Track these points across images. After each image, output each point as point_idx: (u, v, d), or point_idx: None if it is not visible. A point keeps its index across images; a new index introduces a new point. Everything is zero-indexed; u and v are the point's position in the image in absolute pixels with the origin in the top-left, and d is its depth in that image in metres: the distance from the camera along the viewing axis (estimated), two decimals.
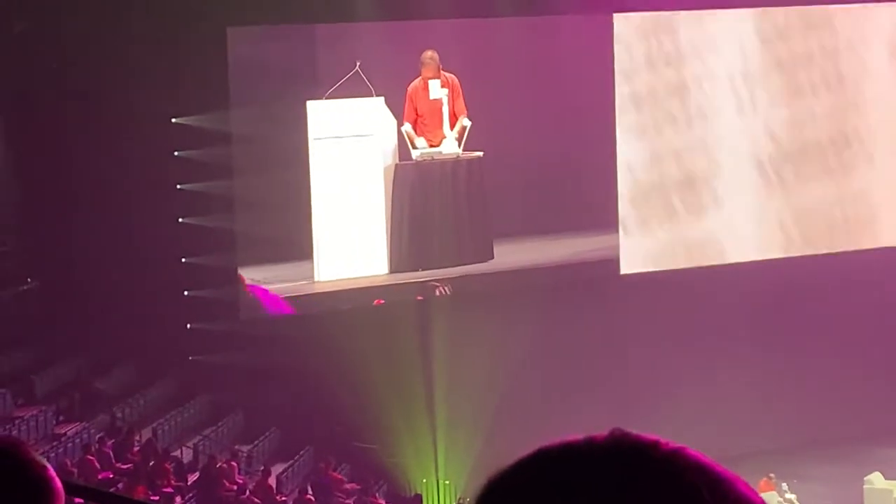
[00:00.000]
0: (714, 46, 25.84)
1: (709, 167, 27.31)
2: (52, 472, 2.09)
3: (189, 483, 22.15)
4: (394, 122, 24.33)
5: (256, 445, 24.67)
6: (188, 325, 24.69)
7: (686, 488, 1.46)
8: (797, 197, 27.41)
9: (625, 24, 26.60)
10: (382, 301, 25.21)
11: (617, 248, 26.89)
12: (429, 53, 24.71)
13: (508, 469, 1.51)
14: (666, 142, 26.75)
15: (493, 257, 25.37)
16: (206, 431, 24.43)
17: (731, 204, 27.53)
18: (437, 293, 25.46)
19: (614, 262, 26.87)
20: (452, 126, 24.66)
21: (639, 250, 27.11)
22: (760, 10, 27.06)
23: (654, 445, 1.49)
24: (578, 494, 1.46)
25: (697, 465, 1.48)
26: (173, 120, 23.94)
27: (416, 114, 24.63)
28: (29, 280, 25.08)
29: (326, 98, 23.94)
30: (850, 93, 24.51)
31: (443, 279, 25.40)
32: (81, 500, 4.31)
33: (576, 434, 1.53)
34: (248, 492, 22.20)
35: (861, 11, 23.52)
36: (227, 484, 22.09)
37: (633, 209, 26.97)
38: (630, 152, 26.86)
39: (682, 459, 1.48)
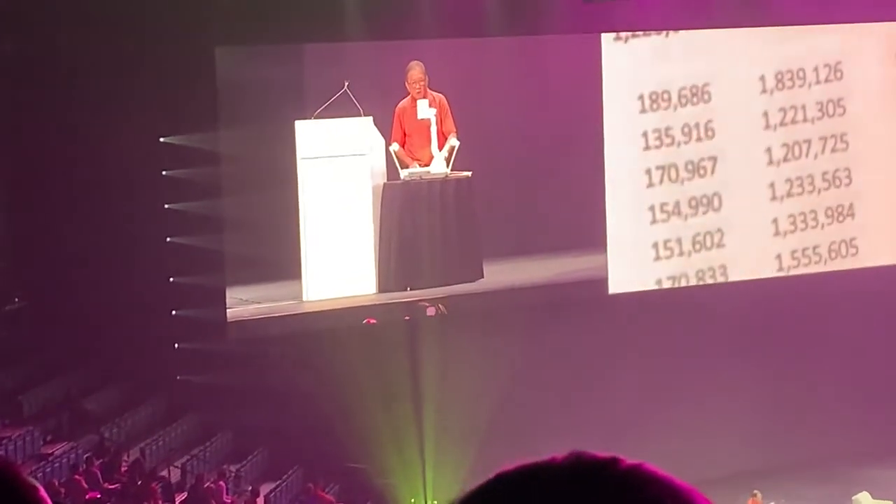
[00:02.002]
0: (705, 64, 25.83)
1: (699, 186, 27.30)
2: (43, 493, 2.09)
3: (177, 503, 22.10)
4: (382, 141, 24.35)
5: (245, 465, 24.63)
6: (176, 345, 24.66)
7: (648, 502, 1.47)
8: (788, 216, 27.01)
9: (613, 44, 26.61)
10: (374, 321, 25.19)
11: (605, 267, 26.89)
12: (415, 71, 24.72)
13: (469, 494, 1.52)
14: (656, 161, 26.74)
15: (482, 277, 25.38)
16: (194, 451, 24.38)
17: (720, 224, 27.52)
18: (434, 312, 25.46)
19: (603, 281, 26.88)
20: (441, 146, 24.68)
21: (627, 270, 27.11)
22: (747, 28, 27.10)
23: (613, 462, 1.51)
24: None
25: (657, 480, 1.49)
26: (161, 139, 23.94)
27: (404, 133, 24.66)
28: (16, 300, 25.04)
29: (315, 118, 23.96)
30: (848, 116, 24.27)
31: (432, 298, 25.40)
32: None
33: (559, 452, 1.54)
34: None
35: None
36: None
37: (622, 229, 26.97)
38: (619, 172, 26.86)
39: (641, 474, 1.49)
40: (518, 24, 26.09)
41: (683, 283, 27.32)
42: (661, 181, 26.80)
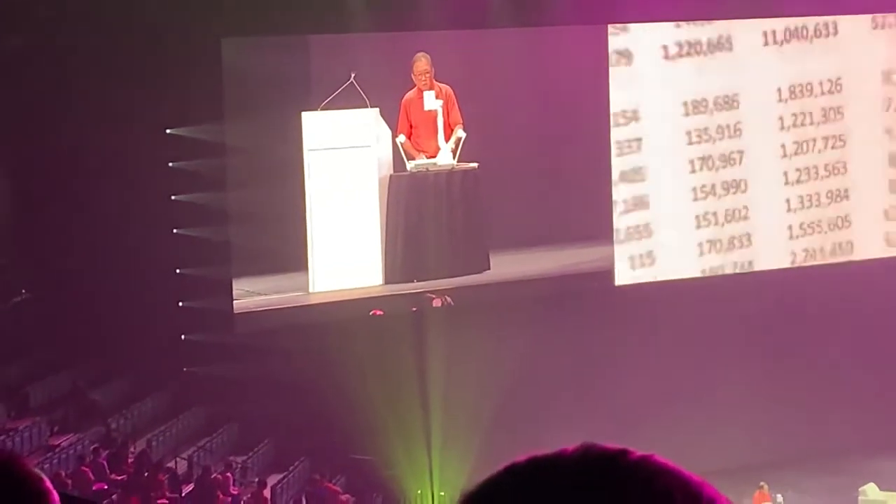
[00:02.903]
0: (736, 78, 26.13)
1: (705, 177, 27.33)
2: (49, 485, 2.09)
3: (183, 494, 22.13)
4: (389, 133, 24.34)
5: (251, 457, 24.65)
6: (183, 337, 24.68)
7: (658, 493, 1.47)
8: (797, 197, 27.39)
9: (619, 35, 26.62)
10: (381, 312, 25.20)
11: (612, 258, 26.91)
12: (421, 63, 24.71)
13: (479, 486, 1.52)
14: (661, 152, 26.77)
15: (489, 268, 25.38)
16: (201, 443, 24.42)
17: (726, 215, 27.56)
18: (440, 303, 25.47)
19: (609, 273, 26.88)
20: (447, 137, 24.66)
21: (633, 261, 27.11)
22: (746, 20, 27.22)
23: (623, 454, 1.51)
24: None
25: (666, 471, 1.49)
26: (168, 131, 23.95)
27: (410, 125, 24.64)
28: (23, 292, 25.06)
29: (321, 109, 23.95)
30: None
31: (438, 290, 25.41)
32: None
33: (565, 444, 1.54)
34: (242, 503, 22.18)
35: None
36: (222, 495, 22.07)
37: (628, 220, 26.96)
38: (625, 162, 26.86)
39: (651, 465, 1.50)
40: (524, 15, 26.06)
41: (690, 275, 27.33)
42: (669, 172, 26.93)
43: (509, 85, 25.75)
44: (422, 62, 24.79)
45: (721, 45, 24.46)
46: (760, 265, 27.61)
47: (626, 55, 24.54)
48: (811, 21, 24.61)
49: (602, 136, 26.54)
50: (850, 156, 25.53)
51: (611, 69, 25.65)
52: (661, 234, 26.09)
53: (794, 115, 24.65)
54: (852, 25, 24.90)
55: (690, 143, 24.70)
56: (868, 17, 25.02)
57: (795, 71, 24.82)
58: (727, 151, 24.33)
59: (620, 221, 25.74)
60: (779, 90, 24.71)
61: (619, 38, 24.16)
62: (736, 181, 24.90)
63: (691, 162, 25.03)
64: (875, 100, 25.17)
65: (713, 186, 25.46)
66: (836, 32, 24.75)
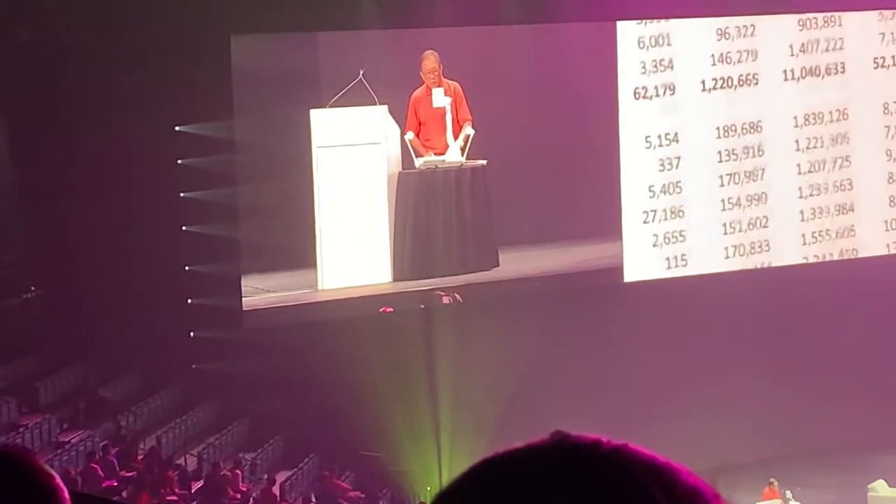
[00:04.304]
0: (760, 108, 27.74)
1: (714, 174, 27.40)
2: (60, 482, 2.10)
3: (193, 491, 22.16)
4: (397, 130, 24.34)
5: (260, 453, 24.68)
6: (192, 334, 24.70)
7: (634, 483, 1.44)
8: (810, 209, 28.29)
9: (627, 32, 26.67)
10: (391, 309, 25.20)
11: (621, 255, 26.92)
12: (429, 61, 24.71)
13: (453, 481, 1.51)
14: (697, 169, 27.28)
15: (498, 265, 25.38)
16: (211, 439, 24.44)
17: (735, 211, 27.62)
18: (449, 300, 25.48)
19: (618, 270, 26.89)
20: (456, 134, 24.66)
21: (642, 258, 27.13)
22: (757, 17, 27.40)
23: (597, 443, 1.48)
24: (522, 498, 1.45)
25: (642, 460, 1.46)
26: (177, 128, 23.97)
27: (419, 122, 24.64)
28: (33, 288, 25.10)
29: (330, 106, 23.95)
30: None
31: (447, 287, 25.41)
32: None
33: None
34: (251, 500, 22.21)
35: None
36: (231, 492, 22.10)
37: (638, 217, 27.00)
38: (634, 159, 26.90)
39: (626, 455, 1.47)
40: (533, 11, 26.07)
41: (699, 272, 27.38)
42: (677, 168, 27.09)
43: (518, 82, 25.75)
44: (429, 60, 24.79)
45: (748, 80, 27.23)
46: (776, 265, 28.00)
47: (671, 87, 26.93)
48: (823, 59, 27.73)
49: (611, 133, 26.56)
50: (855, 174, 28.38)
51: (656, 99, 26.96)
52: (693, 238, 27.57)
53: (808, 139, 27.75)
54: (858, 63, 27.96)
55: (720, 161, 27.39)
56: (871, 56, 28.29)
57: (809, 102, 27.72)
58: (751, 168, 27.38)
59: (659, 228, 27.43)
60: (795, 118, 27.60)
61: (665, 74, 26.62)
62: (758, 194, 27.80)
63: (721, 177, 27.56)
64: (877, 127, 28.26)
65: (738, 198, 27.92)
66: (843, 71, 27.80)
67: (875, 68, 28.58)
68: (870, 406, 27.89)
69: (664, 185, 27.28)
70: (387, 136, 24.25)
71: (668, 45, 27.11)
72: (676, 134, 27.32)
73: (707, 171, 27.52)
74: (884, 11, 28.91)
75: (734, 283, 27.42)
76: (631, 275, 27.06)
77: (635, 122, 26.91)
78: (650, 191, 27.16)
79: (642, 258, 27.14)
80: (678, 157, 27.30)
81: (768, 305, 27.69)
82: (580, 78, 25.98)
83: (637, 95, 26.85)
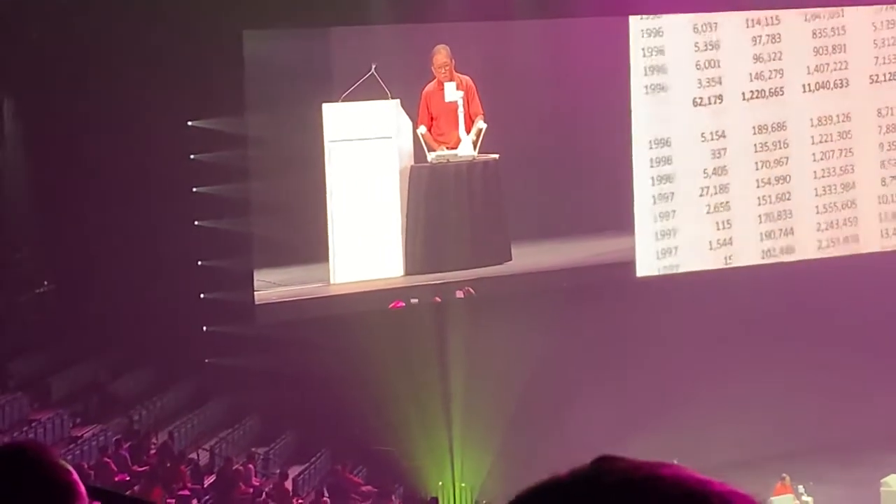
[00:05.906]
0: (785, 111, 28.35)
1: (726, 169, 27.40)
2: (76, 476, 2.11)
3: (205, 486, 22.18)
4: (409, 124, 24.34)
5: (273, 448, 24.70)
6: (204, 328, 24.72)
7: None
8: (822, 205, 28.56)
9: (639, 26, 26.68)
10: (402, 304, 25.21)
11: (633, 250, 26.92)
12: (440, 56, 24.70)
13: None
14: (739, 161, 27.56)
15: (510, 259, 25.37)
16: (223, 434, 24.47)
17: (747, 206, 27.62)
18: (461, 295, 25.48)
19: (630, 264, 26.88)
20: (468, 128, 24.65)
21: (655, 253, 27.12)
22: (768, 12, 27.47)
23: (637, 469, 1.46)
24: None
25: (680, 489, 1.44)
26: (189, 123, 23.99)
27: (431, 116, 24.64)
28: (45, 283, 25.15)
29: (342, 101, 23.95)
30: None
31: (459, 281, 25.41)
32: (100, 503, 4.33)
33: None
34: (264, 494, 22.21)
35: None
36: (244, 486, 22.12)
37: (649, 211, 26.99)
38: (646, 153, 26.90)
39: (662, 483, 1.44)
40: (545, 6, 26.07)
41: (712, 266, 27.39)
42: (689, 163, 27.08)
43: (530, 76, 25.74)
44: (441, 54, 24.79)
45: (777, 92, 28.51)
46: (790, 258, 28.30)
47: (720, 98, 28.10)
48: (833, 76, 29.01)
49: (623, 127, 26.55)
50: (856, 161, 29.40)
51: (704, 107, 27.72)
52: (736, 228, 28.37)
53: (821, 135, 28.99)
54: (858, 81, 29.06)
55: (756, 152, 28.44)
56: (867, 74, 29.40)
57: (821, 108, 28.82)
58: (779, 157, 28.69)
59: (667, 224, 27.97)
60: (811, 119, 28.77)
61: (714, 88, 27.98)
62: (783, 176, 29.00)
63: (756, 164, 28.59)
64: (872, 128, 29.39)
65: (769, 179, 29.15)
66: (848, 85, 28.93)
67: (871, 83, 29.43)
68: (882, 401, 27.84)
69: (713, 182, 28.09)
70: (399, 130, 24.24)
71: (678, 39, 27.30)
72: (723, 131, 28.09)
73: (746, 162, 28.22)
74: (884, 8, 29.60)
75: (746, 277, 27.38)
76: (643, 269, 27.06)
77: (647, 116, 26.93)
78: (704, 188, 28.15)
79: (654, 253, 27.13)
80: (724, 149, 28.11)
81: (783, 301, 27.65)
82: (592, 72, 25.97)
83: (649, 90, 26.87)
